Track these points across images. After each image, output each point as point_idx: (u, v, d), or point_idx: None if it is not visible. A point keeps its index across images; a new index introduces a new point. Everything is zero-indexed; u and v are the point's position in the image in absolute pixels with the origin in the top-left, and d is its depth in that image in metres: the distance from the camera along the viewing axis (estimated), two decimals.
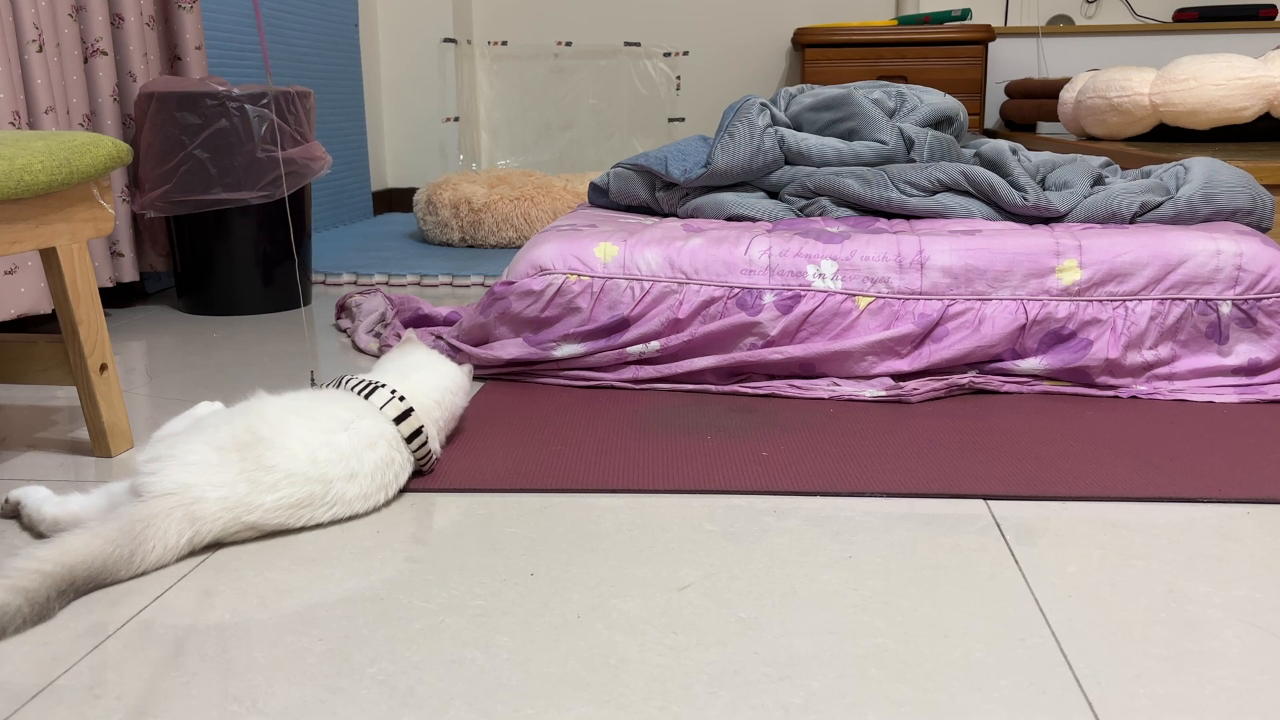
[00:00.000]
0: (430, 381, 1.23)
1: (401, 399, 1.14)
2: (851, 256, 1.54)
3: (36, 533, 1.04)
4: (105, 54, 2.06)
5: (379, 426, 1.10)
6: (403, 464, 1.13)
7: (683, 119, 4.03)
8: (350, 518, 1.08)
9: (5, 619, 0.84)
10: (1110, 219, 1.65)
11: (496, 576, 0.95)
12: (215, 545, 1.01)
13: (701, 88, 4.01)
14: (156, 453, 1.00)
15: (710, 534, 1.04)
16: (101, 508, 1.01)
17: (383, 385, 1.15)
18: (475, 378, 1.61)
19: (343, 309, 2.04)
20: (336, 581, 0.94)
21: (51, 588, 0.87)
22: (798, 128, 1.91)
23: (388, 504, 1.12)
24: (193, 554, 0.99)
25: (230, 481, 0.99)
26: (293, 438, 1.03)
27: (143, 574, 0.95)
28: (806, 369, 1.53)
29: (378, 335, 1.82)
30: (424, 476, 1.18)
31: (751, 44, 3.97)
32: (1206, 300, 1.48)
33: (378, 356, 1.75)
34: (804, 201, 1.83)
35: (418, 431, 1.14)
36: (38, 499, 1.05)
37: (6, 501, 1.09)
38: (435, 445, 1.18)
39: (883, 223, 1.70)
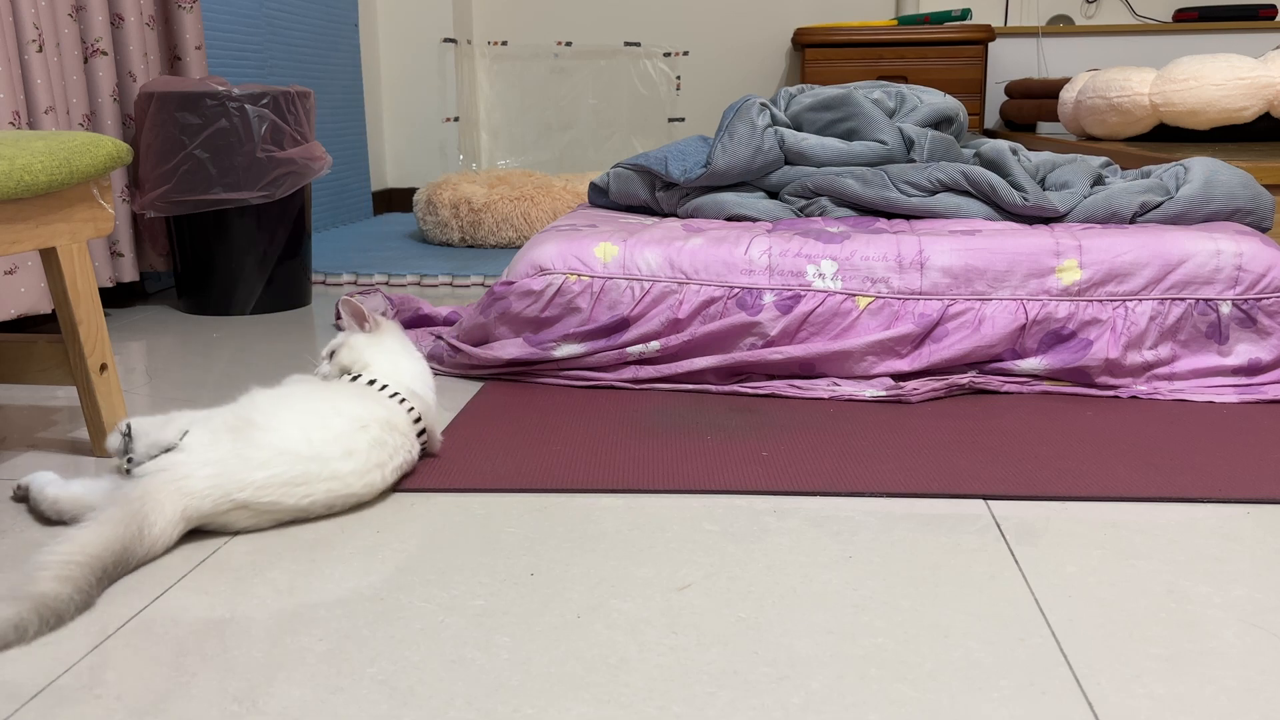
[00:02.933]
0: (418, 369, 1.28)
1: (403, 401, 1.17)
2: (851, 256, 1.54)
3: (40, 514, 1.07)
4: (105, 54, 2.06)
5: (371, 410, 1.12)
6: (396, 447, 1.13)
7: (683, 119, 4.03)
8: (350, 509, 1.08)
9: (62, 606, 0.86)
10: (1110, 219, 1.65)
11: (496, 576, 0.95)
12: (215, 545, 1.01)
13: (701, 88, 4.01)
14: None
15: (710, 534, 1.04)
16: (105, 490, 1.04)
17: (385, 386, 1.18)
18: (475, 377, 1.61)
19: None
20: (336, 581, 0.94)
21: (90, 575, 0.89)
22: (798, 128, 1.91)
23: (387, 487, 1.12)
24: (193, 553, 0.99)
25: (220, 459, 1.01)
26: (285, 420, 1.06)
27: (152, 552, 0.97)
28: (806, 369, 1.53)
29: None
30: (424, 476, 1.18)
31: (751, 44, 3.97)
32: (1206, 300, 1.48)
33: None
34: (804, 201, 1.83)
35: (417, 419, 1.19)
36: (42, 481, 1.09)
37: (18, 487, 1.13)
38: (435, 429, 1.24)
39: (883, 223, 1.70)
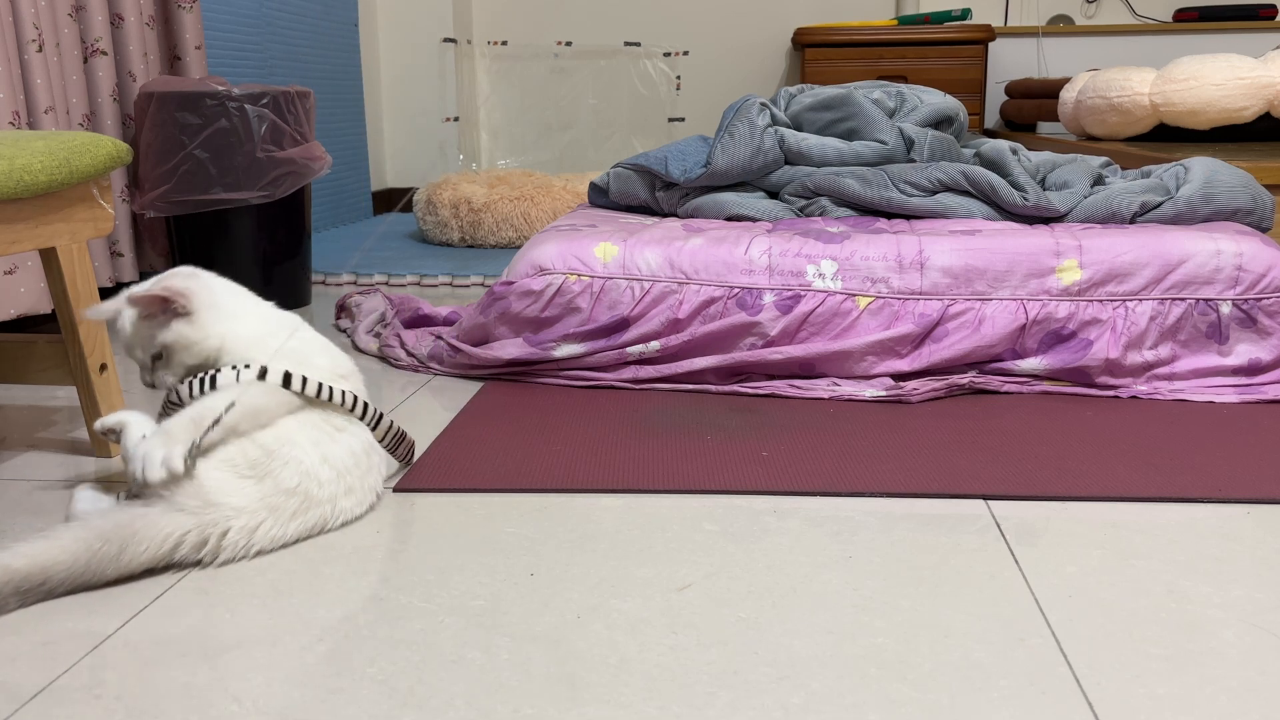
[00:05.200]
0: (279, 318, 1.12)
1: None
2: (851, 256, 1.54)
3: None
4: (105, 54, 2.06)
5: (359, 435, 1.08)
6: (380, 462, 1.12)
7: (683, 119, 4.03)
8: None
9: None
10: (1110, 219, 1.65)
11: (496, 576, 0.95)
12: None
13: (701, 88, 4.01)
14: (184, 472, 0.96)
15: (710, 534, 1.04)
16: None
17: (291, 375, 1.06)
18: (475, 377, 1.61)
19: (342, 309, 2.04)
20: (337, 581, 0.94)
21: (8, 584, 0.87)
22: (798, 128, 1.91)
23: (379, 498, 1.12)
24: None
25: (251, 509, 0.98)
26: (304, 456, 1.01)
27: (126, 571, 0.93)
28: (806, 369, 1.53)
29: (377, 335, 1.82)
30: (424, 476, 1.18)
31: (751, 44, 3.97)
32: (1206, 300, 1.48)
33: (378, 356, 1.75)
34: (804, 201, 1.83)
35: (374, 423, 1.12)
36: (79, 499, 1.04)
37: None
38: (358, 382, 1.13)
39: (883, 223, 1.70)
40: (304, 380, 1.04)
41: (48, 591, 0.90)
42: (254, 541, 0.98)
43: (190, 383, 1.02)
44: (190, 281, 1.05)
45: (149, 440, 0.97)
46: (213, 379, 1.01)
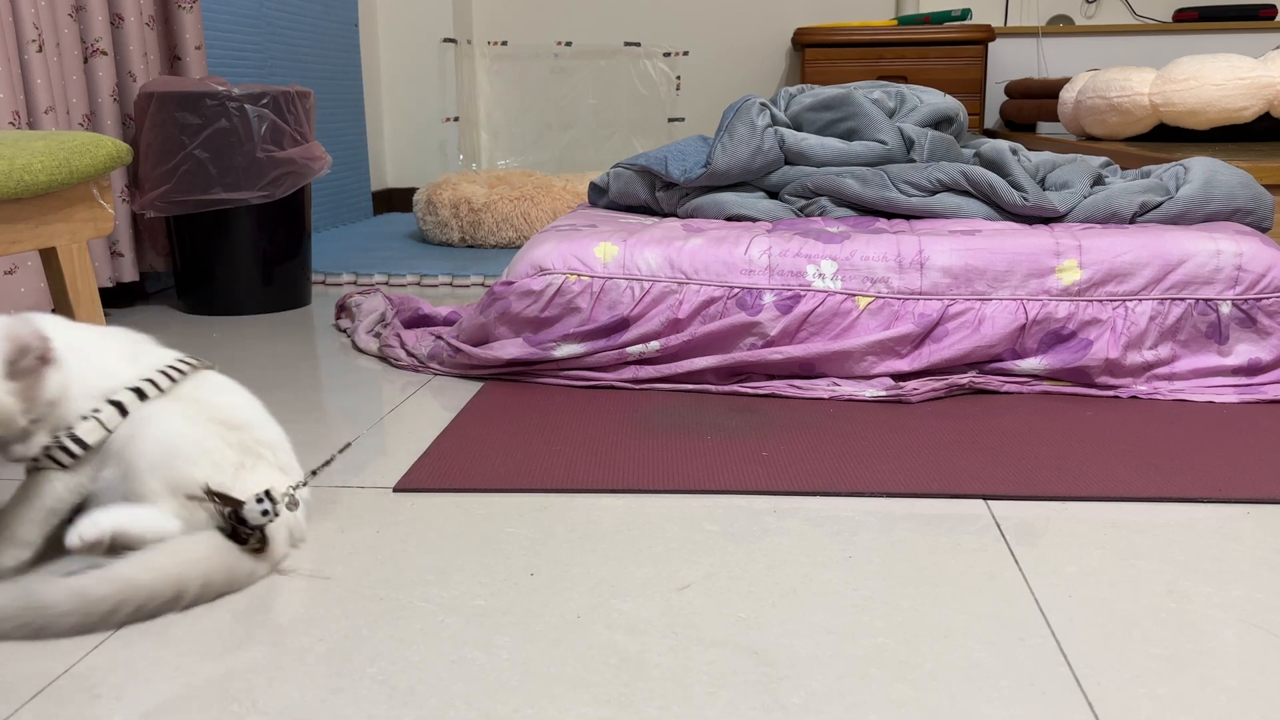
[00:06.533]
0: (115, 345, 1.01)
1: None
2: (851, 256, 1.54)
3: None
4: (105, 54, 2.06)
5: (178, 387, 1.03)
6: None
7: (683, 119, 4.03)
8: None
9: (51, 620, 0.82)
10: (1110, 219, 1.65)
11: (496, 576, 0.95)
12: None
13: (701, 88, 4.01)
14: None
15: (710, 534, 1.04)
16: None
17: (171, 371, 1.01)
18: (475, 377, 1.61)
19: (342, 309, 2.04)
20: (336, 581, 0.94)
21: (116, 597, 0.84)
22: (798, 128, 1.91)
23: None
24: None
25: (273, 483, 0.99)
26: (252, 408, 1.04)
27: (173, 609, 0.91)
28: (806, 369, 1.53)
29: (377, 335, 1.82)
30: (424, 476, 1.18)
31: (751, 44, 3.97)
32: (1206, 300, 1.48)
33: (378, 356, 1.75)
34: (804, 201, 1.83)
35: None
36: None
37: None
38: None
39: (882, 223, 1.70)
40: (158, 378, 0.98)
41: (119, 623, 0.86)
42: (298, 499, 0.99)
43: (62, 441, 0.92)
44: (34, 325, 0.91)
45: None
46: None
